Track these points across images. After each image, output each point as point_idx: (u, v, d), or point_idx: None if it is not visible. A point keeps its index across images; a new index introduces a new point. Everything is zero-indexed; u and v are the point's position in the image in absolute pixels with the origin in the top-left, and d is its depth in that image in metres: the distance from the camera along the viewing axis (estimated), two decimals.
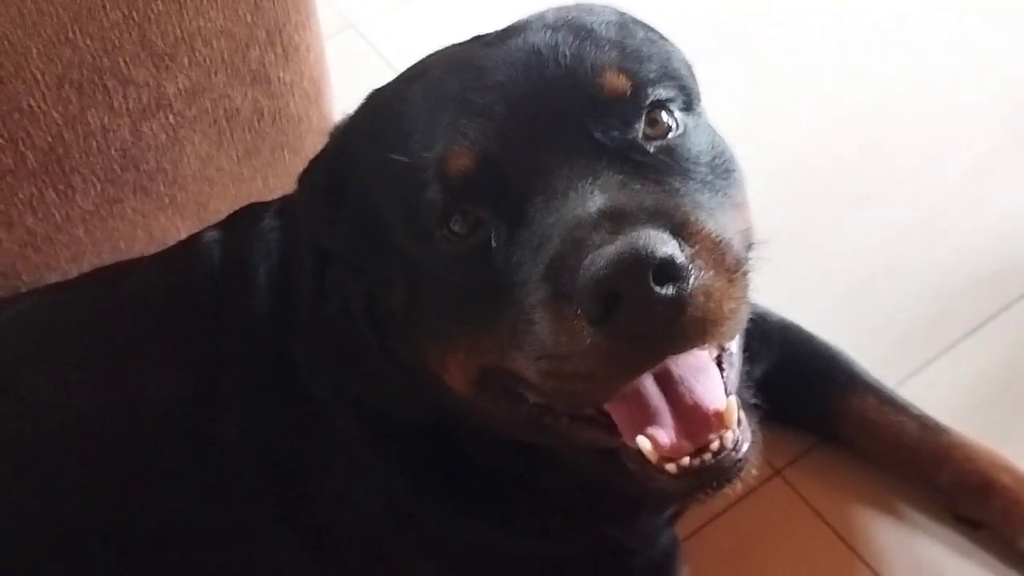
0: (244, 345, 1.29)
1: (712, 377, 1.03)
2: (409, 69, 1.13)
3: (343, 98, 1.19)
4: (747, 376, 1.11)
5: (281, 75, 1.58)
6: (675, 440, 0.99)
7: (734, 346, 1.08)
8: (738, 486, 1.01)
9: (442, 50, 1.13)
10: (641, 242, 0.88)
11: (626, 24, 1.10)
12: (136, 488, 1.29)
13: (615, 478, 1.11)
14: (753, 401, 1.09)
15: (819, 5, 2.23)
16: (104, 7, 1.39)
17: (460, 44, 1.13)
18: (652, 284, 0.87)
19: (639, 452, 1.00)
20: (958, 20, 2.16)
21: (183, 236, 1.45)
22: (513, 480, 1.24)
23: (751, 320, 1.10)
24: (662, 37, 1.14)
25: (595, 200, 0.95)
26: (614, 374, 0.94)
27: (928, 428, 1.51)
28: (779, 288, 1.49)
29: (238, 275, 1.31)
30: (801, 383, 1.56)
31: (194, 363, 1.29)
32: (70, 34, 1.39)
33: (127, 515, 1.30)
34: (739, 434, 1.01)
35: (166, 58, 1.46)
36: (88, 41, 1.41)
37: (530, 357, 0.97)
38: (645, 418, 1.00)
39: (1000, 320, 1.72)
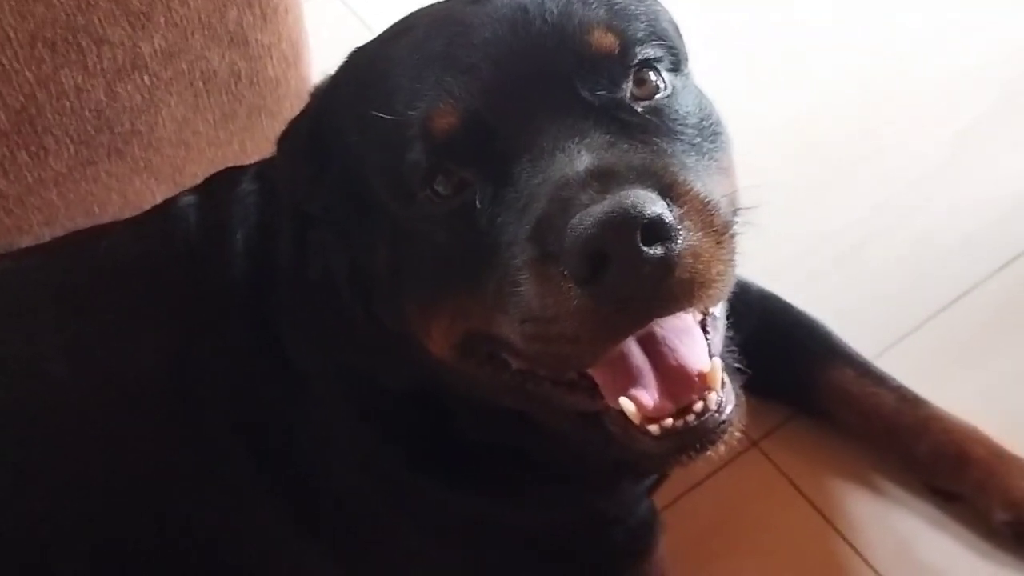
0: (221, 312, 1.27)
1: (696, 339, 1.02)
2: (392, 27, 1.11)
3: (321, 61, 1.17)
4: (731, 340, 1.10)
5: (259, 37, 1.56)
6: (658, 401, 0.98)
7: (718, 310, 1.07)
8: (721, 449, 1.00)
9: (426, 8, 1.12)
10: (629, 201, 0.87)
11: None
12: (113, 458, 1.27)
13: (598, 443, 1.10)
14: (737, 365, 1.08)
15: None
16: None
17: (444, 2, 1.12)
18: (640, 244, 0.87)
19: (622, 414, 0.99)
20: None
21: (158, 200, 1.42)
22: (497, 449, 1.23)
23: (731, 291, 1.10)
24: None
25: (582, 159, 0.94)
26: (601, 336, 0.93)
27: (906, 400, 1.52)
28: (760, 259, 1.49)
29: (215, 240, 1.29)
30: (780, 354, 1.56)
31: (171, 330, 1.27)
32: None
33: (105, 484, 1.28)
34: (723, 396, 1.00)
35: (142, 17, 1.43)
36: None
37: (515, 320, 0.96)
38: (628, 380, 0.99)
39: (977, 292, 1.72)
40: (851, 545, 1.49)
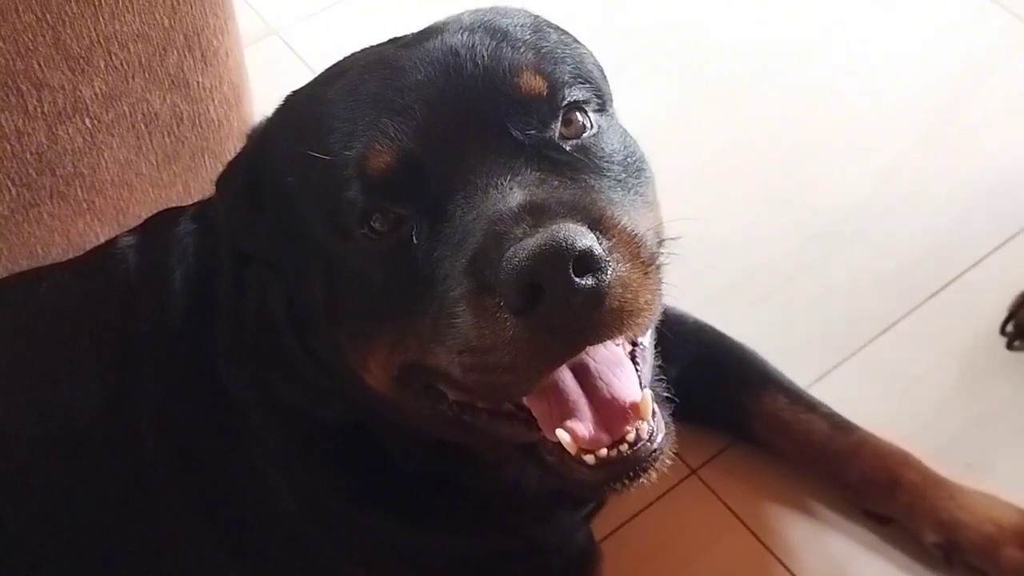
0: (160, 350, 1.28)
1: (627, 371, 1.05)
2: (327, 71, 1.14)
3: (265, 103, 1.19)
4: (660, 370, 1.14)
5: (200, 80, 1.58)
6: (593, 432, 1.01)
7: (647, 340, 1.11)
8: (653, 476, 1.03)
9: (359, 52, 1.15)
10: (562, 234, 0.90)
11: (540, 27, 1.13)
12: (55, 496, 1.28)
13: (534, 473, 1.12)
14: (666, 394, 1.11)
15: (741, 10, 2.29)
16: (17, 9, 1.37)
17: (377, 46, 1.15)
18: (572, 275, 0.90)
19: (558, 445, 1.02)
20: (877, 27, 2.23)
21: (102, 242, 1.44)
22: (433, 480, 1.25)
23: (666, 322, 1.13)
24: (575, 40, 1.16)
25: (515, 195, 0.97)
26: (536, 365, 0.95)
27: (838, 426, 1.55)
28: (695, 289, 1.53)
29: (154, 280, 1.31)
30: (715, 383, 1.60)
31: (110, 369, 1.29)
32: None
33: (47, 524, 1.28)
34: (654, 425, 1.03)
35: (81, 61, 1.45)
36: (0, 44, 1.39)
37: (453, 351, 0.99)
38: (564, 412, 1.02)
39: (909, 320, 1.77)
40: (788, 569, 1.52)
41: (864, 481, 1.52)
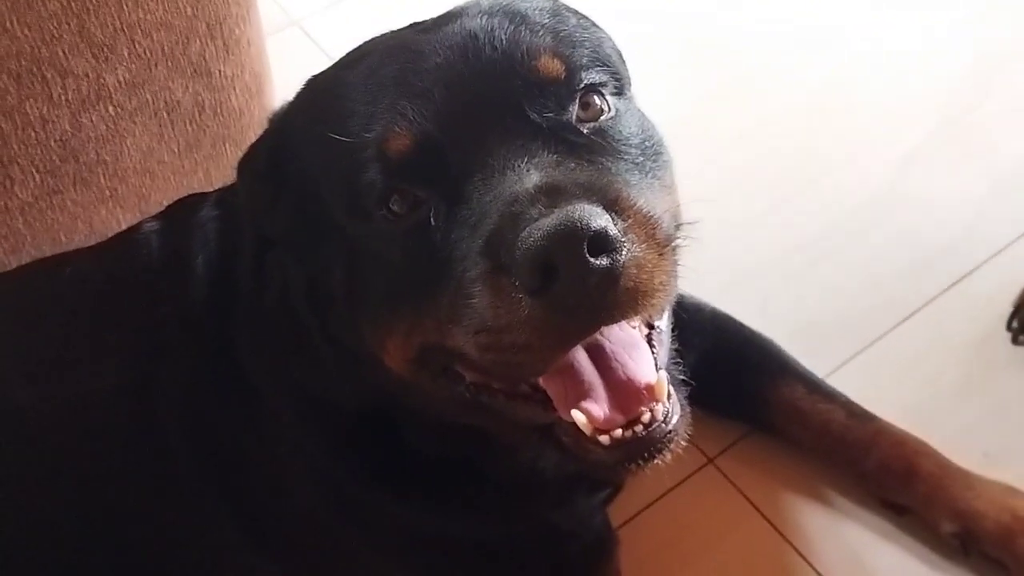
0: (182, 335, 1.29)
1: (643, 353, 1.06)
2: (347, 55, 1.15)
3: (285, 91, 1.20)
4: (677, 354, 1.14)
5: (222, 68, 1.59)
6: (608, 413, 1.02)
7: (663, 323, 1.11)
8: (668, 457, 1.03)
9: (379, 36, 1.15)
10: (576, 214, 0.91)
11: (559, 11, 1.13)
12: (78, 481, 1.29)
13: (551, 454, 1.13)
14: (682, 378, 1.12)
15: (757, 6, 2.29)
16: None
17: (397, 31, 1.15)
18: (587, 255, 0.90)
19: (574, 426, 1.02)
20: (888, 20, 2.23)
21: (124, 229, 1.45)
22: (452, 465, 1.26)
23: (683, 310, 1.13)
24: (593, 24, 1.17)
25: (531, 177, 0.98)
26: (551, 344, 0.96)
27: (855, 416, 1.55)
28: (712, 278, 1.53)
29: (176, 265, 1.32)
30: (732, 372, 1.60)
31: (133, 354, 1.30)
32: (8, 24, 1.40)
33: (70, 509, 1.30)
34: (669, 407, 1.03)
35: (105, 49, 1.47)
36: (26, 31, 1.41)
37: (469, 332, 0.99)
38: (579, 393, 1.03)
39: (927, 311, 1.77)
40: (804, 558, 1.52)
41: (881, 470, 1.52)
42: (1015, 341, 1.70)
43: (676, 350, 1.14)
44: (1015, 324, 1.71)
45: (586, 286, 0.91)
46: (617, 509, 1.48)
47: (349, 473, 1.28)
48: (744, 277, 1.81)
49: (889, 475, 1.52)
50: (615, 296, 0.93)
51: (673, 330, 1.16)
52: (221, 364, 1.28)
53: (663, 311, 1.05)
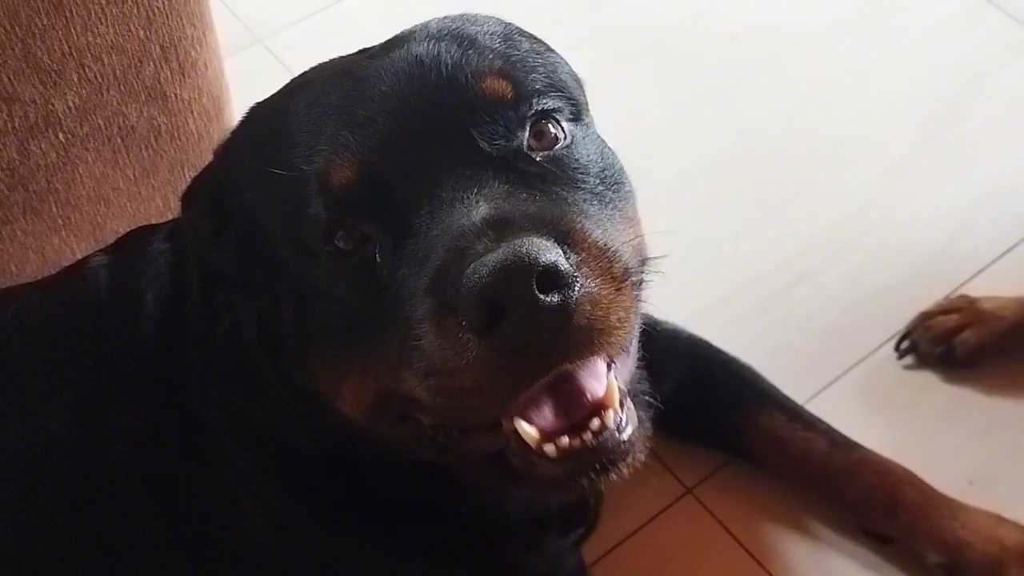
0: (131, 375, 1.25)
1: (594, 362, 0.99)
2: (290, 82, 1.11)
3: None
4: (648, 376, 1.10)
5: (178, 92, 1.55)
6: (552, 418, 0.96)
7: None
8: (624, 471, 0.97)
9: (324, 63, 1.12)
10: (524, 248, 0.86)
11: (510, 35, 1.09)
12: (26, 525, 1.25)
13: (517, 495, 1.08)
14: (647, 397, 1.08)
15: (734, 16, 2.25)
16: None
17: (343, 57, 1.12)
18: (536, 291, 0.86)
19: (522, 442, 0.97)
20: (871, 31, 2.19)
21: (79, 258, 1.41)
22: (416, 506, 1.22)
23: (659, 337, 1.09)
24: (548, 48, 1.13)
25: (480, 209, 0.94)
26: (502, 388, 0.91)
27: (836, 444, 1.51)
28: (688, 302, 1.50)
29: (125, 302, 1.27)
30: (710, 400, 1.56)
31: (80, 394, 1.26)
32: None
33: (18, 553, 1.25)
34: (623, 416, 0.98)
35: (53, 74, 1.42)
36: None
37: (419, 375, 0.95)
38: (524, 402, 0.97)
39: None
40: None
41: (864, 500, 1.48)
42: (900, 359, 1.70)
43: (648, 378, 1.10)
44: (904, 346, 1.70)
45: (536, 324, 0.87)
46: (593, 542, 1.44)
47: (304, 514, 1.23)
48: (721, 300, 1.78)
49: (872, 505, 1.48)
50: (568, 335, 0.88)
51: (647, 356, 1.12)
52: (171, 404, 1.23)
53: (624, 349, 1.00)
